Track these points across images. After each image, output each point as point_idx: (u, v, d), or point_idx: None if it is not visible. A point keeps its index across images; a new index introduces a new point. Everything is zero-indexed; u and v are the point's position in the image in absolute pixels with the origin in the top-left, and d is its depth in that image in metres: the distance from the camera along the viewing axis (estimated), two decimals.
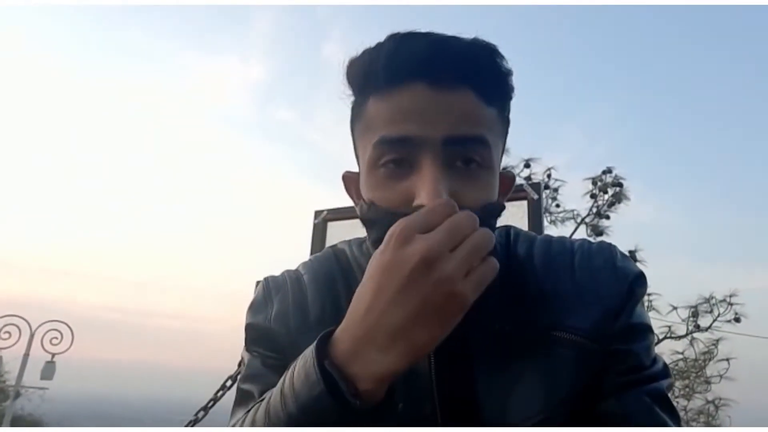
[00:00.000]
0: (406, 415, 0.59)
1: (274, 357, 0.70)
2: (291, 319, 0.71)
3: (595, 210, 7.24)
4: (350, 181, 0.72)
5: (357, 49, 0.64)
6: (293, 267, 0.79)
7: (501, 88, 0.64)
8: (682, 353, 6.93)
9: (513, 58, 0.65)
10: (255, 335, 0.73)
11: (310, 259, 0.80)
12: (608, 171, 7.26)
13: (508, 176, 0.70)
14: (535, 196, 2.54)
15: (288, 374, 0.54)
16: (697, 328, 6.85)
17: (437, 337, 0.48)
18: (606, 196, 7.23)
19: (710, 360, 6.83)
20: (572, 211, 7.31)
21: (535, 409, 0.60)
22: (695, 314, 6.83)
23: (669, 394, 0.64)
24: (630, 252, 6.65)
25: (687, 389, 6.76)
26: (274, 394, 0.55)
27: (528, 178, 6.67)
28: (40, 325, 10.91)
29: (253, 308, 0.75)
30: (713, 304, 6.79)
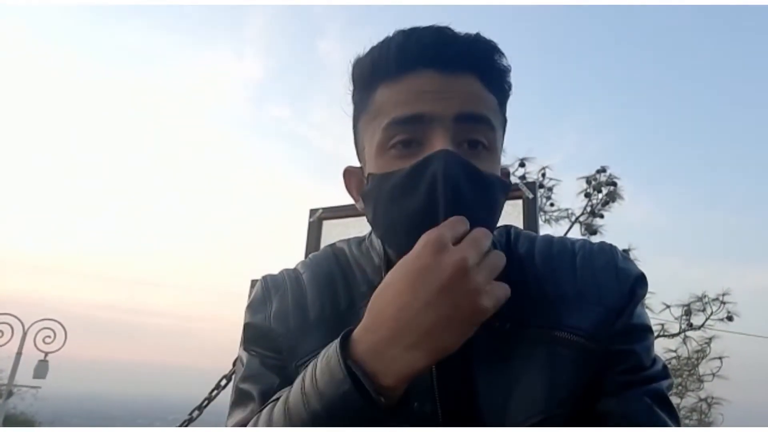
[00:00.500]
0: (407, 415, 0.59)
1: (273, 356, 0.70)
2: (290, 318, 0.70)
3: (589, 209, 7.28)
4: (352, 175, 0.73)
5: (355, 48, 0.67)
6: (287, 265, 0.79)
7: (502, 80, 0.67)
8: (675, 351, 6.98)
9: (509, 58, 0.68)
10: (254, 334, 0.73)
11: (308, 258, 0.79)
12: (602, 170, 7.31)
13: (504, 173, 0.71)
14: (530, 195, 2.55)
15: (308, 373, 0.55)
16: (690, 326, 6.90)
17: (460, 341, 0.52)
18: (600, 195, 7.28)
19: (703, 358, 6.89)
20: (567, 209, 7.36)
21: (536, 408, 0.60)
22: (688, 313, 6.88)
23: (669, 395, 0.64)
24: (624, 251, 6.67)
25: (680, 387, 6.80)
26: (292, 394, 0.55)
27: (523, 177, 6.69)
28: (33, 324, 10.84)
29: (252, 307, 0.75)
30: (706, 303, 6.85)
